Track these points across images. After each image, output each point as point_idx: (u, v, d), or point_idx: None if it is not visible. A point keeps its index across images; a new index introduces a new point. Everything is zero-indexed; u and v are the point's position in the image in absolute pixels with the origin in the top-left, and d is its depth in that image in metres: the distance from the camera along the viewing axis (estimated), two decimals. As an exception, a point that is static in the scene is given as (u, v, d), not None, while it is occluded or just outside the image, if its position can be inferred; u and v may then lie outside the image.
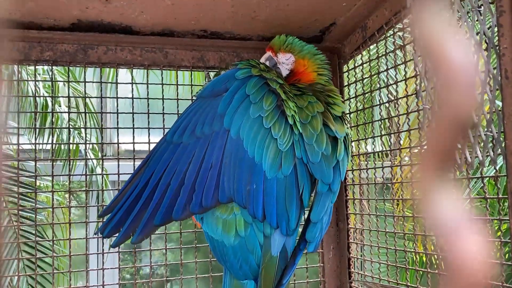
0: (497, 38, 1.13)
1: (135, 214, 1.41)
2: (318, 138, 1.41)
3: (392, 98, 1.77)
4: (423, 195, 0.30)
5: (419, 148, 1.55)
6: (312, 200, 1.45)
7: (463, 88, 0.28)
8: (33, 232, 3.73)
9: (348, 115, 1.98)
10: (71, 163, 1.83)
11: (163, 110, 1.88)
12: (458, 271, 0.29)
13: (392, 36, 1.75)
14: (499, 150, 1.16)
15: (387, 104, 1.96)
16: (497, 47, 1.12)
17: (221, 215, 1.44)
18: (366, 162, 1.93)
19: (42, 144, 3.13)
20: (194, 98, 1.51)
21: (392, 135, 1.78)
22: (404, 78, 1.69)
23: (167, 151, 1.42)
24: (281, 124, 1.39)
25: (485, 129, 1.21)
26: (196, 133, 1.39)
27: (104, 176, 2.10)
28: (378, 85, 1.82)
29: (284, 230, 1.40)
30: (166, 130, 1.86)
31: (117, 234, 1.44)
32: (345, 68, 2.03)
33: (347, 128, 1.52)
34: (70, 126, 1.83)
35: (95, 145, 4.24)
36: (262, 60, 1.62)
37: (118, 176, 1.84)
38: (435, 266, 1.85)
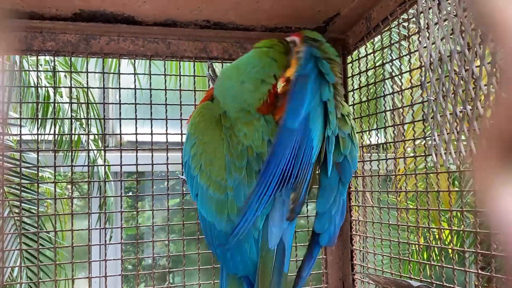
0: None
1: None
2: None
3: (397, 89, 1.75)
4: (484, 188, 0.27)
5: (426, 139, 1.54)
6: (317, 192, 1.44)
7: None
8: (32, 224, 3.74)
9: (352, 107, 1.97)
10: (73, 154, 1.82)
11: (165, 101, 1.87)
12: None
13: (397, 27, 1.74)
14: None
15: (391, 96, 1.95)
16: None
17: (214, 194, 1.42)
18: (370, 154, 1.92)
19: (44, 134, 3.13)
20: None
21: (396, 127, 1.77)
22: (409, 69, 1.68)
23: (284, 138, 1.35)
24: (334, 112, 1.38)
25: None
26: (298, 118, 1.34)
27: (106, 167, 2.10)
28: (382, 77, 1.80)
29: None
30: (169, 122, 1.86)
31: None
32: (349, 59, 2.02)
33: (351, 124, 1.50)
34: (72, 117, 1.82)
35: (96, 136, 4.24)
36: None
37: (121, 167, 1.83)
38: (438, 258, 1.85)
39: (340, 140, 1.44)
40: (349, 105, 2.00)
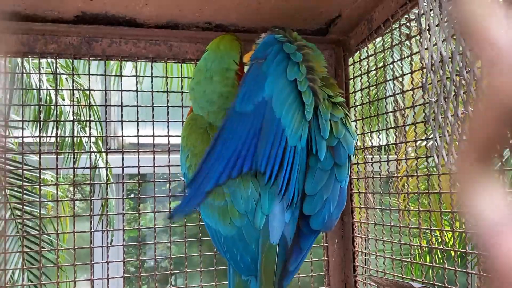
0: None
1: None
2: (329, 118, 1.42)
3: (398, 91, 1.75)
4: (463, 189, 0.28)
5: (427, 140, 1.54)
6: (305, 175, 1.42)
7: (509, 71, 0.27)
8: (33, 226, 3.74)
9: (353, 108, 1.97)
10: (75, 156, 1.82)
11: (167, 103, 1.87)
12: (501, 272, 0.27)
13: (398, 29, 1.74)
14: None
15: (393, 97, 1.94)
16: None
17: (214, 201, 1.43)
18: (372, 156, 1.92)
19: (46, 137, 3.13)
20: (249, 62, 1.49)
21: (398, 128, 1.77)
22: (410, 71, 1.68)
23: (233, 121, 1.38)
24: (309, 92, 1.38)
25: None
26: (252, 101, 1.37)
27: (108, 169, 2.10)
28: (384, 78, 1.80)
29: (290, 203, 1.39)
30: (171, 123, 1.86)
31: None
32: (350, 61, 2.02)
33: (345, 111, 1.50)
34: (74, 120, 1.83)
35: (98, 139, 4.25)
36: None
37: (123, 169, 1.83)
38: (441, 261, 1.84)
39: (332, 124, 1.43)
40: (351, 107, 2.00)
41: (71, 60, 1.82)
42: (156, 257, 1.84)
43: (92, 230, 1.79)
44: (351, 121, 1.56)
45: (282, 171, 1.35)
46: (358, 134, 1.94)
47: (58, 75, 1.91)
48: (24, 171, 1.83)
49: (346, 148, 1.45)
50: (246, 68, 1.55)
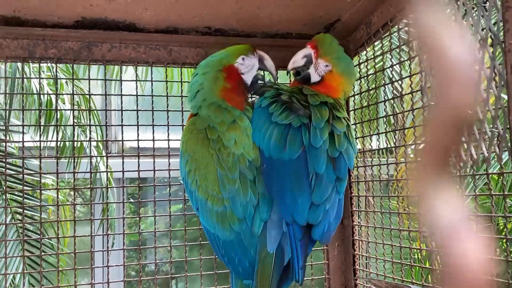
0: (502, 33, 1.12)
1: None
2: (324, 126, 1.44)
3: (397, 94, 1.76)
4: (421, 193, 0.30)
5: (421, 145, 1.54)
6: (314, 183, 1.44)
7: (461, 85, 0.28)
8: (34, 230, 3.74)
9: (352, 112, 1.98)
10: (76, 160, 1.83)
11: (167, 107, 1.88)
12: (456, 270, 0.28)
13: (397, 32, 1.75)
14: (505, 146, 1.16)
15: (392, 101, 1.95)
16: (503, 43, 1.11)
17: (213, 207, 1.45)
18: (371, 159, 1.92)
19: (46, 141, 3.14)
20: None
21: (397, 132, 1.78)
22: (409, 74, 1.68)
23: None
24: (281, 108, 1.48)
25: (491, 125, 1.20)
26: None
27: (109, 173, 2.10)
28: (383, 81, 1.81)
29: (297, 217, 1.40)
30: (171, 128, 1.87)
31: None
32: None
33: (347, 124, 1.53)
34: (75, 124, 1.83)
35: (98, 143, 4.25)
36: (300, 54, 1.61)
37: (123, 173, 1.84)
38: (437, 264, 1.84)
39: (335, 136, 1.46)
40: (350, 110, 2.00)
41: (71, 65, 1.83)
42: (157, 261, 1.85)
43: (93, 234, 1.79)
44: (357, 137, 1.60)
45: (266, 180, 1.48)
46: (357, 138, 1.94)
47: (58, 80, 1.92)
48: (25, 176, 1.84)
49: (347, 160, 1.48)
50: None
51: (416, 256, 2.82)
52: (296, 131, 1.44)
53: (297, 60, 1.60)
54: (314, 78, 1.61)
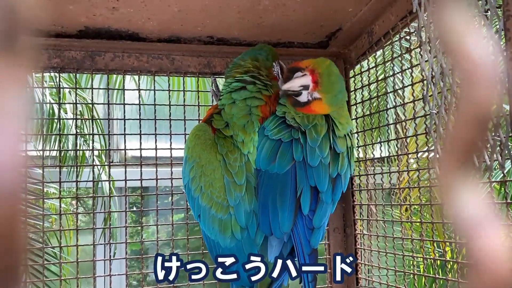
0: (504, 42, 1.12)
1: None
2: (321, 143, 1.43)
3: (399, 103, 1.76)
4: (445, 195, 0.30)
5: (428, 152, 1.55)
6: (315, 207, 1.45)
7: (484, 84, 0.28)
8: (37, 239, 3.74)
9: (355, 121, 1.98)
10: (78, 169, 1.83)
11: (169, 116, 1.88)
12: (483, 266, 0.29)
13: (398, 41, 1.75)
14: (507, 154, 1.16)
15: (394, 109, 1.95)
16: (504, 51, 1.11)
17: (216, 214, 1.45)
18: (373, 168, 1.92)
19: (49, 150, 3.14)
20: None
21: (399, 140, 1.78)
22: (411, 83, 1.69)
23: None
24: (275, 120, 1.51)
25: (492, 133, 1.20)
26: None
27: (111, 182, 2.11)
28: (385, 90, 1.81)
29: (274, 229, 1.41)
30: (173, 136, 1.87)
31: None
32: (351, 73, 2.03)
33: (351, 144, 1.54)
34: (77, 133, 1.84)
35: (101, 152, 4.26)
36: (298, 82, 1.52)
37: (125, 182, 1.84)
38: (444, 272, 1.84)
39: (340, 155, 1.47)
40: (352, 119, 2.01)
41: (74, 74, 1.83)
42: (159, 270, 1.84)
43: (95, 243, 1.79)
44: (360, 146, 1.61)
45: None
46: (359, 146, 1.95)
47: (61, 89, 1.92)
48: (28, 184, 1.84)
49: (343, 184, 1.50)
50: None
51: (420, 263, 2.81)
52: (288, 146, 1.45)
53: (294, 86, 1.52)
54: (304, 97, 1.53)
